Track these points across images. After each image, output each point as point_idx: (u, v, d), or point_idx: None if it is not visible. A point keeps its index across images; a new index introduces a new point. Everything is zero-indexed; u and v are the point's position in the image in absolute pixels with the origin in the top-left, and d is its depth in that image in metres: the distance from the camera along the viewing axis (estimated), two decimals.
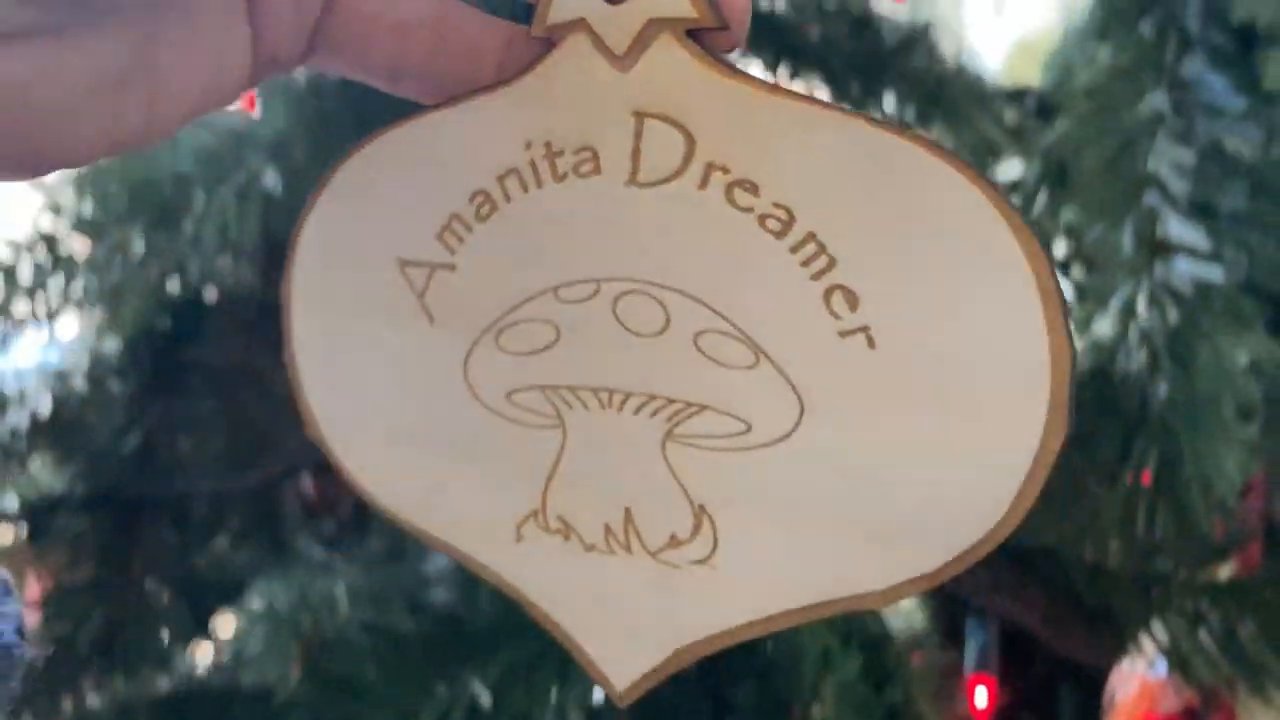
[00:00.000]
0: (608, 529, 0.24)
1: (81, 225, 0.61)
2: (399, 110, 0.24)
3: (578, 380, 0.23)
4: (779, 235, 0.21)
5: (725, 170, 0.21)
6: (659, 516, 0.23)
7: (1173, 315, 0.47)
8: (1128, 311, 0.48)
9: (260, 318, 0.64)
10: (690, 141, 0.21)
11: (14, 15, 0.18)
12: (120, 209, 0.59)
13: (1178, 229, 0.48)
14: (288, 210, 0.57)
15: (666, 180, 0.22)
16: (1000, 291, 0.19)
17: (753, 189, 0.21)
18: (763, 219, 0.21)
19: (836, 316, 0.21)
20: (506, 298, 0.24)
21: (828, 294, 0.21)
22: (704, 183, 0.21)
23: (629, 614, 0.24)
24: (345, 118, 0.58)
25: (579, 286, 0.23)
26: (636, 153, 0.22)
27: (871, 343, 0.21)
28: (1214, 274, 0.47)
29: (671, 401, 0.23)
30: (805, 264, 0.21)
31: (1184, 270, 0.47)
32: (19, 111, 0.18)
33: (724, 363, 0.22)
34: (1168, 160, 0.49)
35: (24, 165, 0.19)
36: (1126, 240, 0.49)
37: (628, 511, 0.24)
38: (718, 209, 0.21)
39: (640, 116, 0.22)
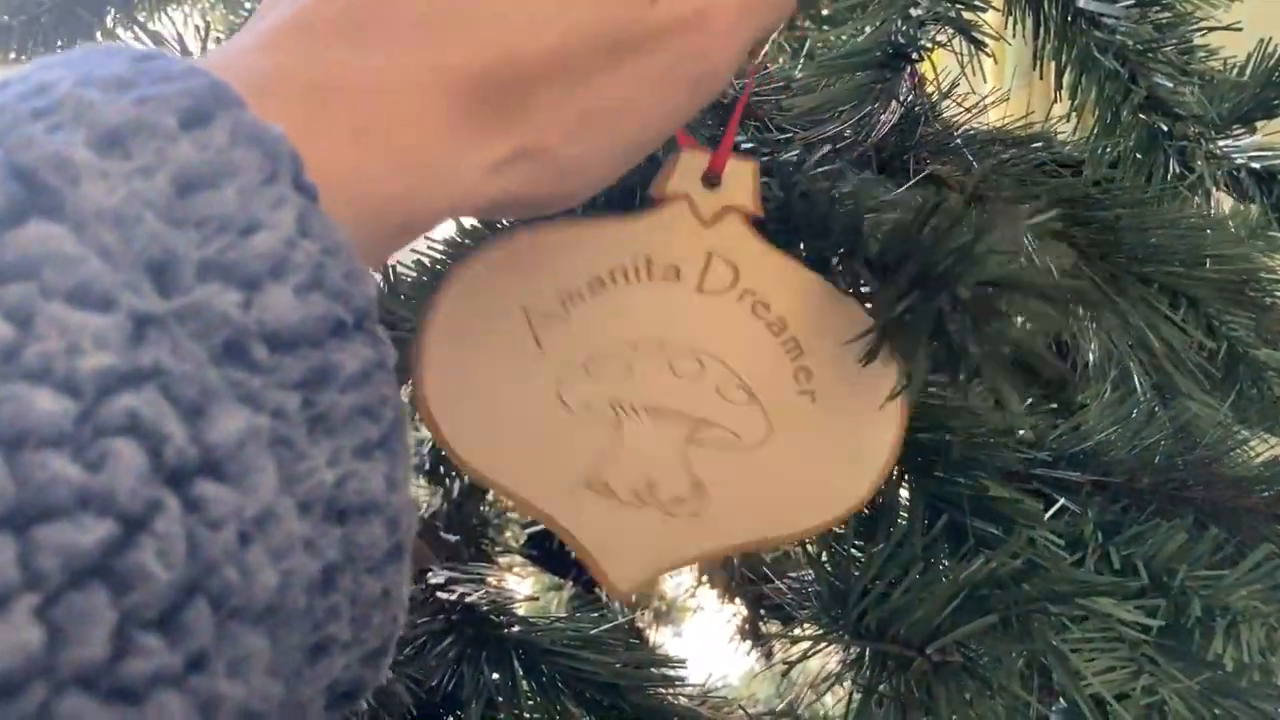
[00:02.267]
0: (635, 492, 0.39)
1: None
2: None
3: (637, 400, 0.39)
4: (776, 334, 0.39)
5: (753, 294, 0.39)
6: (671, 486, 0.39)
7: None
8: None
9: None
10: (736, 274, 0.39)
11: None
12: None
13: None
14: None
15: (719, 293, 0.39)
16: (880, 392, 0.39)
17: (766, 307, 0.39)
18: (769, 324, 0.39)
19: (798, 382, 0.39)
20: (598, 343, 0.39)
21: (796, 371, 0.39)
22: (740, 298, 0.39)
23: (638, 541, 0.39)
24: None
25: (650, 344, 0.39)
26: (704, 274, 0.39)
27: (814, 399, 0.39)
28: None
29: (694, 419, 0.39)
30: (787, 351, 0.39)
31: None
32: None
33: (731, 400, 0.39)
34: None
35: None
36: None
37: (651, 482, 0.39)
38: (745, 314, 0.39)
39: (710, 255, 0.39)
